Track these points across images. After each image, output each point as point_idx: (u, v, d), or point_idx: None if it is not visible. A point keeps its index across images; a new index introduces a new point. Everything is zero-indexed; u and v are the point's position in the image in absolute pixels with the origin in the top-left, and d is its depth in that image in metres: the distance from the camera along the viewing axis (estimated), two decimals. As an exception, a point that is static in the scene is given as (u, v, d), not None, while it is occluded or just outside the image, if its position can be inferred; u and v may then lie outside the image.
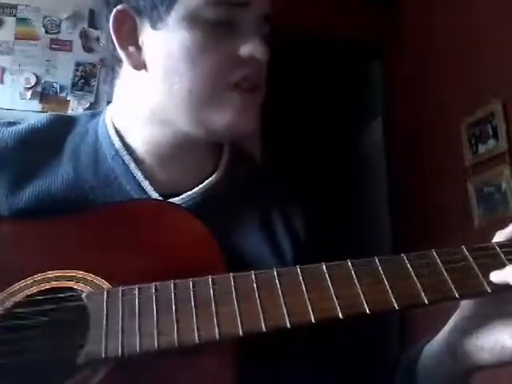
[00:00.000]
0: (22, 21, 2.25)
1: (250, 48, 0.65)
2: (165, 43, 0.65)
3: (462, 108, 2.30)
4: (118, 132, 0.71)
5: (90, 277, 0.56)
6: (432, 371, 0.63)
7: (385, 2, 2.81)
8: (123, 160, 0.69)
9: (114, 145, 0.70)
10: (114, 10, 0.65)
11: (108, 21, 0.66)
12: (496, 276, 0.54)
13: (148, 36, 0.65)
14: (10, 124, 0.73)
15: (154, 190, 0.68)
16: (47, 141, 0.71)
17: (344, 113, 3.15)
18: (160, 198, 0.68)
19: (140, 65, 0.66)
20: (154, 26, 0.64)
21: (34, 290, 0.56)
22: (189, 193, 0.69)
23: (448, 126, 2.38)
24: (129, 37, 0.66)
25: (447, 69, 2.41)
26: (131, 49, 0.66)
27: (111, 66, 0.71)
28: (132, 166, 0.69)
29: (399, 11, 2.80)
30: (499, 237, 0.59)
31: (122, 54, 0.67)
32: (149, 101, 0.68)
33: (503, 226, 0.60)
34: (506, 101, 2.09)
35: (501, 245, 0.57)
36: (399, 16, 2.80)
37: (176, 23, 0.63)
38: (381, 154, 2.89)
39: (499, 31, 2.11)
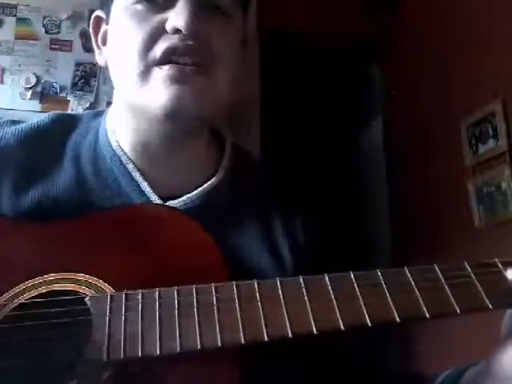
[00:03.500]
0: (21, 21, 2.25)
1: (173, 18, 0.61)
2: (112, 33, 0.68)
3: (461, 108, 2.30)
4: (114, 132, 0.71)
5: (93, 280, 0.56)
6: None
7: (384, 3, 2.81)
8: (121, 160, 0.68)
9: (111, 145, 0.70)
10: (93, 15, 0.72)
11: None
12: None
13: (108, 34, 0.69)
14: (13, 123, 0.73)
15: (154, 192, 0.67)
16: (50, 140, 0.71)
17: (344, 113, 3.15)
18: (159, 200, 0.67)
19: (104, 60, 0.71)
20: (107, 22, 0.69)
21: (37, 292, 0.56)
22: (189, 195, 0.68)
23: (448, 126, 2.38)
24: (102, 38, 0.71)
25: (447, 69, 2.41)
26: (103, 48, 0.71)
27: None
28: (130, 166, 0.68)
29: (399, 12, 2.80)
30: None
31: (96, 54, 0.72)
32: (121, 94, 0.70)
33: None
34: (506, 101, 2.08)
35: (503, 262, 0.58)
36: (399, 17, 2.80)
37: (116, 12, 0.66)
38: (381, 154, 2.90)
39: (499, 31, 2.11)
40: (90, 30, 0.72)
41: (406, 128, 2.72)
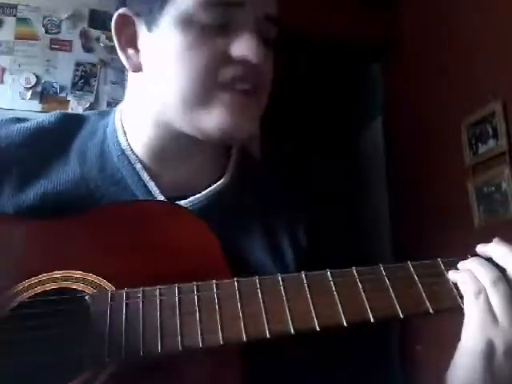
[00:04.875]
0: (21, 21, 2.25)
1: (241, 47, 0.62)
2: (158, 45, 0.64)
3: (462, 108, 2.30)
4: (125, 133, 0.71)
5: (93, 278, 0.56)
6: None
7: (385, 4, 2.81)
8: (129, 160, 0.69)
9: (120, 144, 0.70)
10: (116, 14, 0.66)
11: None
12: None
13: (144, 39, 0.66)
14: (19, 120, 0.73)
15: (160, 192, 0.68)
16: (55, 139, 0.71)
17: (344, 113, 3.15)
18: (165, 200, 0.67)
19: (137, 67, 0.67)
20: (149, 29, 0.65)
21: (38, 290, 0.56)
22: (196, 196, 0.68)
23: (448, 126, 2.38)
24: (129, 40, 0.67)
25: (447, 69, 2.41)
26: (130, 51, 0.67)
27: (122, 67, 0.71)
28: (138, 166, 0.68)
29: (399, 13, 2.80)
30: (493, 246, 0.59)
31: (121, 56, 0.67)
32: (147, 103, 0.68)
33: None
34: (506, 101, 2.08)
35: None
36: (399, 17, 2.80)
37: (168, 25, 0.63)
38: (381, 154, 2.90)
39: (499, 31, 2.11)
40: (113, 29, 0.67)
41: (406, 128, 2.72)
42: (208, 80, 0.62)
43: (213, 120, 0.63)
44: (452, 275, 0.57)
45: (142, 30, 0.66)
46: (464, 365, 0.56)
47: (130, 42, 0.67)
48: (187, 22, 0.62)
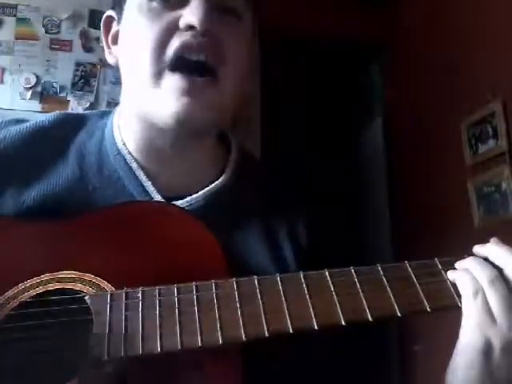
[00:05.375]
0: (21, 21, 2.25)
1: (187, 15, 0.61)
2: (124, 33, 0.68)
3: (462, 108, 2.30)
4: (121, 132, 0.71)
5: (93, 278, 0.56)
6: None
7: (385, 4, 2.81)
8: (125, 160, 0.69)
9: (116, 144, 0.70)
10: (104, 15, 0.72)
11: None
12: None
13: (120, 33, 0.69)
14: (18, 122, 0.73)
15: (157, 192, 0.67)
16: (54, 140, 0.71)
17: (344, 113, 3.16)
18: (163, 200, 0.67)
19: (115, 60, 0.71)
20: (119, 22, 0.69)
21: (39, 290, 0.56)
22: (193, 196, 0.68)
23: (448, 126, 2.38)
24: (113, 38, 0.71)
25: (447, 69, 2.41)
26: (114, 47, 0.71)
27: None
28: (134, 166, 0.68)
29: (399, 12, 2.80)
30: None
31: (105, 52, 0.72)
32: (128, 98, 0.69)
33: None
34: (506, 101, 2.08)
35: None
36: (399, 17, 2.80)
37: (128, 11, 0.66)
38: (381, 154, 2.90)
39: (499, 31, 2.11)
40: (101, 30, 0.72)
41: (406, 128, 2.72)
42: (157, 55, 0.62)
43: (162, 103, 0.62)
44: (450, 274, 0.57)
45: (119, 26, 0.70)
46: (462, 363, 0.56)
47: (114, 39, 0.71)
48: (143, 4, 0.64)
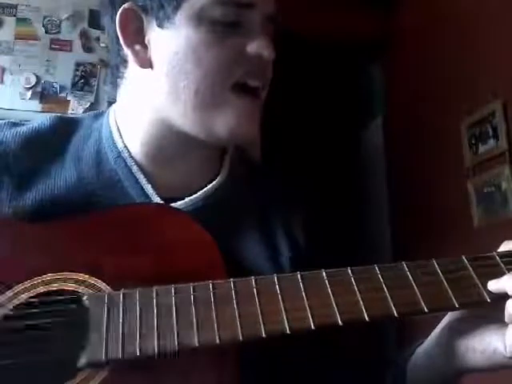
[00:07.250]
0: (21, 21, 2.25)
1: (256, 46, 0.65)
2: (171, 42, 0.65)
3: (462, 108, 2.30)
4: (121, 133, 0.70)
5: (91, 279, 0.57)
6: (423, 372, 0.63)
7: (384, 4, 2.81)
8: (125, 162, 0.69)
9: (116, 146, 0.69)
10: (121, 9, 0.66)
11: (113, 20, 0.67)
12: (493, 285, 0.54)
13: (154, 34, 0.66)
14: (14, 125, 0.72)
15: (157, 194, 0.68)
16: (50, 143, 0.71)
17: (344, 113, 3.15)
18: (162, 201, 0.67)
19: (146, 63, 0.66)
20: (160, 25, 0.65)
21: (37, 291, 0.56)
22: (191, 197, 0.68)
23: (448, 126, 2.38)
24: (135, 35, 0.66)
25: (447, 69, 2.41)
26: (137, 47, 0.66)
27: (116, 65, 0.70)
28: (134, 168, 0.68)
29: (399, 13, 2.80)
30: (507, 246, 0.58)
31: (128, 52, 0.67)
32: (152, 99, 0.67)
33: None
34: (506, 101, 2.08)
35: (501, 255, 0.57)
36: (399, 17, 2.80)
37: (183, 22, 0.64)
38: (381, 154, 2.90)
39: (499, 31, 2.11)
40: (117, 24, 0.66)
41: (406, 128, 2.72)
42: (222, 79, 0.64)
43: (225, 122, 0.65)
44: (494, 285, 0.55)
45: (151, 25, 0.66)
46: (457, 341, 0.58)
47: (137, 37, 0.66)
48: (201, 19, 0.63)
